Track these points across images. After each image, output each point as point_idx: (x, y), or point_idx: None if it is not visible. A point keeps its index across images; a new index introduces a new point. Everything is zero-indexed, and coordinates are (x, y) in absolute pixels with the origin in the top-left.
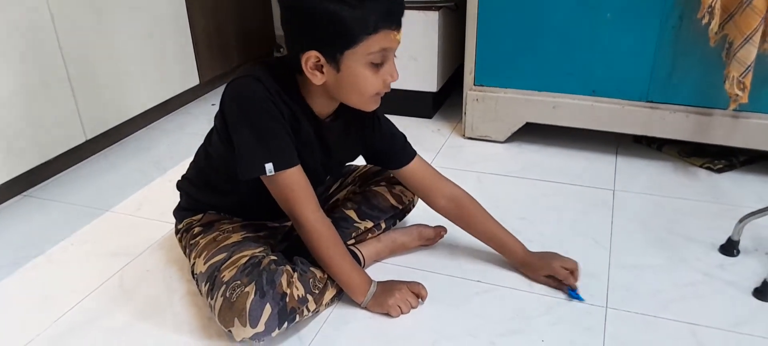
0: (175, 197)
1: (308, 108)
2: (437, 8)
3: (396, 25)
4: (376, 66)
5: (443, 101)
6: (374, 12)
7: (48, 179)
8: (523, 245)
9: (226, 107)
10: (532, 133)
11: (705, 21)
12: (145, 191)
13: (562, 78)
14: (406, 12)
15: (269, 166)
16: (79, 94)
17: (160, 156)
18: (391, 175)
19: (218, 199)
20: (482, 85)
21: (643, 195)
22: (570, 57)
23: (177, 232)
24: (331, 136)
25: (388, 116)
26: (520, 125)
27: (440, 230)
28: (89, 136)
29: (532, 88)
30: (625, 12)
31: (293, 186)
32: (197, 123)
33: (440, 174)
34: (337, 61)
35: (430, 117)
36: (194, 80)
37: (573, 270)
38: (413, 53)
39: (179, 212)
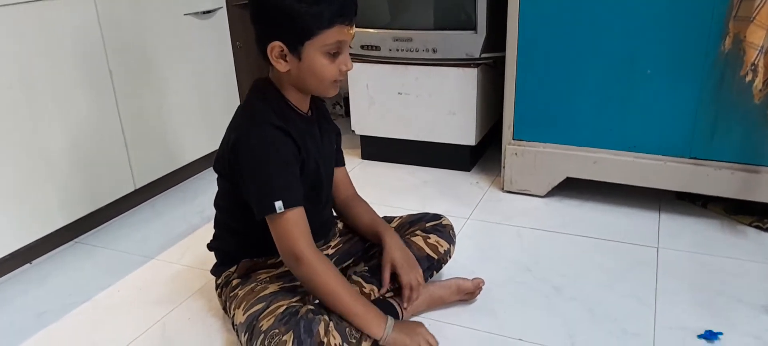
0: None
1: (291, 104)
2: (476, 65)
3: (349, 21)
4: (333, 56)
5: (482, 154)
6: (329, 9)
7: (97, 226)
8: (398, 242)
9: (239, 155)
10: (572, 187)
11: (748, 79)
12: (189, 240)
13: (602, 133)
14: (446, 69)
15: (278, 204)
16: (131, 145)
17: (204, 205)
18: (427, 225)
19: (244, 242)
20: (521, 140)
21: (689, 253)
22: (610, 112)
23: (217, 287)
24: (314, 128)
25: (427, 168)
26: (560, 180)
27: (479, 282)
28: (138, 186)
29: (572, 143)
30: (665, 68)
31: (295, 225)
32: None
33: (352, 185)
34: (299, 51)
35: (468, 170)
36: None
37: (411, 289)
38: (452, 108)
39: (216, 269)
